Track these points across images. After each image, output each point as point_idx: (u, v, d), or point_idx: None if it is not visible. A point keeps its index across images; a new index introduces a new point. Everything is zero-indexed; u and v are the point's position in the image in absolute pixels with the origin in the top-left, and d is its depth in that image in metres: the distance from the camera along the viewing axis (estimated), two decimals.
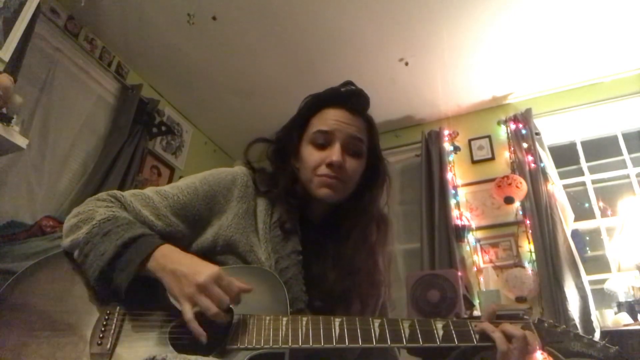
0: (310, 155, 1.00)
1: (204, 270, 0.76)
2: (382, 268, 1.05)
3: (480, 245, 3.19)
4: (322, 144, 0.99)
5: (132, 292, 0.77)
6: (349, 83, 1.06)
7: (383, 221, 1.07)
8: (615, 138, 3.32)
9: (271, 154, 1.08)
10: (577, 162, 3.37)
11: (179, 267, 0.77)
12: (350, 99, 1.03)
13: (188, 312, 0.73)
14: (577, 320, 2.59)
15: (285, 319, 0.79)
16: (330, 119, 1.01)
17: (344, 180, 0.99)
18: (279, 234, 0.96)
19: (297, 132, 1.05)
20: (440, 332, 0.82)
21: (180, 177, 1.05)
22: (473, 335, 0.83)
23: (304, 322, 0.78)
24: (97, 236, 0.80)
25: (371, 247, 1.02)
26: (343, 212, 1.04)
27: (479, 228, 3.26)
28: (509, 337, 0.81)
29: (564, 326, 0.86)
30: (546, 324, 0.87)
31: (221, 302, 0.74)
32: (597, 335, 2.51)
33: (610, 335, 2.29)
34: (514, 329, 0.82)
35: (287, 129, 1.07)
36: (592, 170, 3.30)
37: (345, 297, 0.96)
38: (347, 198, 1.03)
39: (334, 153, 0.97)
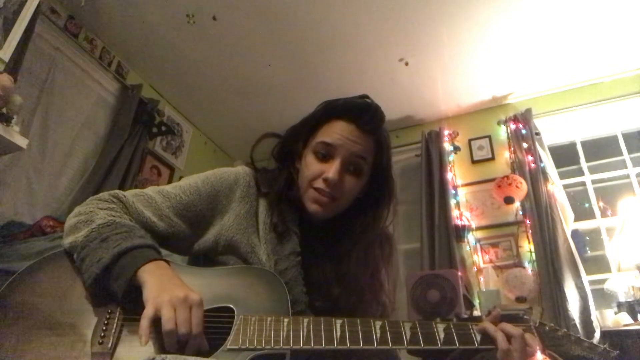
0: (310, 165, 0.98)
1: (188, 291, 0.75)
2: (387, 290, 1.03)
3: (480, 245, 3.20)
4: (324, 156, 0.97)
5: (134, 292, 0.77)
6: (365, 97, 1.03)
7: (387, 241, 1.06)
8: (615, 138, 3.32)
9: (276, 152, 1.07)
10: (577, 162, 3.38)
11: (167, 278, 0.77)
12: (364, 115, 0.98)
13: (150, 312, 0.70)
14: (577, 320, 2.59)
15: (286, 319, 0.79)
16: (337, 132, 0.97)
17: (336, 197, 0.97)
18: (278, 235, 0.96)
19: (304, 136, 1.03)
20: (442, 335, 0.82)
21: (181, 177, 1.05)
22: (474, 338, 0.84)
23: (305, 323, 0.78)
24: (94, 241, 0.80)
25: (375, 267, 1.01)
26: (344, 221, 1.03)
27: (479, 228, 3.26)
28: (508, 337, 0.81)
29: (565, 330, 0.86)
30: (547, 327, 0.87)
31: (183, 325, 0.70)
32: (597, 335, 2.52)
33: (610, 335, 2.29)
34: (512, 328, 0.82)
35: (296, 130, 1.05)
36: (592, 170, 3.31)
37: (351, 314, 0.96)
38: (349, 212, 1.02)
39: (332, 170, 0.94)
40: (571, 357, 0.83)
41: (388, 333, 0.80)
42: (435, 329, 0.82)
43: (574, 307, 2.64)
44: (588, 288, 2.71)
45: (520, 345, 0.80)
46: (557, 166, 3.22)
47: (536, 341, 0.83)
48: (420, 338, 0.80)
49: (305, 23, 2.84)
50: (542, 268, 2.84)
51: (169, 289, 0.73)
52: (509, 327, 0.83)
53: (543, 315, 2.72)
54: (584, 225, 3.19)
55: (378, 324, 0.81)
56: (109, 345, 0.73)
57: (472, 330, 0.84)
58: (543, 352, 0.84)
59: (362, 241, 1.01)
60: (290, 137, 1.06)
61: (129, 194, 0.93)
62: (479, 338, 0.84)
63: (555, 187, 3.10)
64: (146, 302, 0.73)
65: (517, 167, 3.25)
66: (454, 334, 0.82)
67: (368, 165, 1.00)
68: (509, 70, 3.26)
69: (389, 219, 1.06)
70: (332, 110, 1.01)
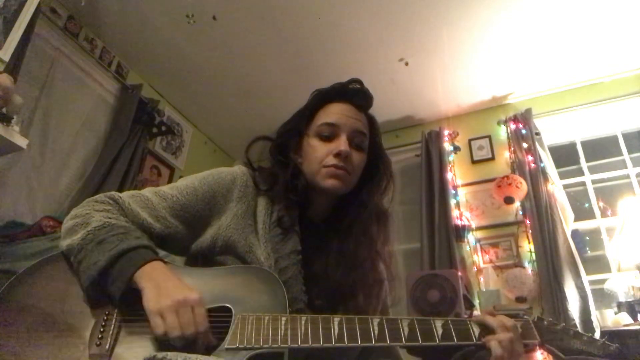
0: (317, 147, 1.01)
1: (187, 291, 0.75)
2: (386, 260, 1.05)
3: (480, 245, 3.19)
4: (328, 137, 1.01)
5: (131, 294, 0.77)
6: (355, 81, 1.08)
7: (383, 215, 1.08)
8: (615, 138, 3.31)
9: (273, 149, 1.07)
10: (577, 162, 3.37)
11: (165, 281, 0.77)
12: (356, 95, 1.06)
13: (160, 325, 0.71)
14: (577, 320, 2.59)
15: (284, 318, 0.79)
16: (337, 112, 1.03)
17: (350, 171, 1.00)
18: (279, 233, 0.96)
19: (302, 125, 1.05)
20: (440, 331, 0.82)
21: (180, 177, 1.05)
22: (472, 332, 0.84)
23: (303, 322, 0.78)
24: (90, 243, 0.80)
25: (372, 240, 1.03)
26: (344, 208, 1.05)
27: (479, 228, 3.26)
28: (505, 327, 0.84)
29: (564, 324, 0.87)
30: (545, 322, 0.88)
31: (188, 327, 0.72)
32: (597, 335, 2.51)
33: (610, 335, 2.28)
34: (508, 319, 0.85)
35: (291, 122, 1.08)
36: (592, 170, 3.30)
37: (351, 291, 0.97)
38: (347, 193, 1.04)
39: (342, 143, 0.98)
40: (570, 351, 0.84)
41: (386, 330, 0.80)
42: (433, 326, 0.82)
43: (574, 307, 2.64)
44: (588, 288, 2.71)
45: (516, 335, 0.83)
46: (557, 166, 3.22)
47: (534, 335, 0.84)
48: (419, 334, 0.81)
49: (305, 23, 2.84)
50: (542, 268, 2.83)
51: (167, 293, 0.74)
52: (505, 318, 0.85)
53: (543, 315, 2.72)
54: (584, 225, 3.18)
55: (376, 321, 0.81)
56: (107, 346, 0.73)
57: (469, 325, 0.85)
58: (542, 346, 0.85)
59: (360, 217, 1.03)
60: (286, 132, 1.07)
61: (125, 195, 0.92)
62: (476, 332, 0.84)
63: (555, 187, 3.10)
64: (147, 310, 0.73)
65: (517, 167, 3.25)
66: (452, 329, 0.83)
67: (367, 141, 1.05)
68: (509, 70, 3.26)
69: (387, 197, 1.09)
70: (325, 95, 1.06)
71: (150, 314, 0.73)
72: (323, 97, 1.06)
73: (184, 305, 0.73)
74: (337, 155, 0.98)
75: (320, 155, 0.99)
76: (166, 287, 0.75)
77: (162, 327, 0.71)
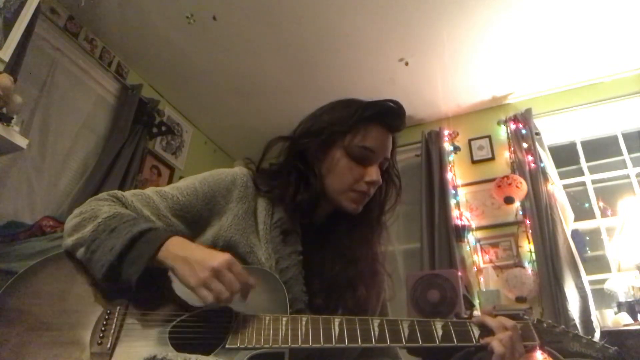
0: (349, 169, 0.99)
1: (217, 255, 0.78)
2: (381, 259, 1.07)
3: (480, 245, 3.20)
4: (363, 159, 1.00)
5: (143, 278, 0.77)
6: (393, 102, 1.04)
7: (381, 220, 1.10)
8: (615, 138, 3.31)
9: (292, 152, 1.03)
10: (577, 162, 3.37)
11: (192, 254, 0.78)
12: (399, 121, 1.06)
13: (208, 296, 0.74)
14: (577, 321, 2.59)
15: (285, 318, 0.79)
16: (376, 137, 1.02)
17: (370, 195, 1.02)
18: (280, 234, 0.96)
19: (335, 138, 1.00)
20: (440, 332, 0.83)
21: (181, 177, 1.05)
22: (472, 335, 0.84)
23: (303, 322, 0.79)
24: (104, 233, 0.81)
25: (369, 240, 1.05)
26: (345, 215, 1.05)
27: (479, 228, 3.26)
28: (504, 328, 0.84)
29: (563, 326, 0.87)
30: (545, 324, 0.88)
31: (233, 287, 0.75)
32: (597, 335, 2.51)
33: (610, 335, 2.29)
34: (507, 320, 0.85)
35: (323, 130, 1.01)
36: (592, 170, 3.30)
37: (350, 285, 0.97)
38: None
39: (374, 173, 0.99)
40: (570, 354, 0.84)
41: (386, 331, 0.80)
42: (433, 327, 0.83)
43: (574, 307, 2.64)
44: (588, 288, 2.71)
45: (517, 334, 0.83)
46: (557, 166, 3.22)
47: (534, 336, 0.84)
48: (419, 336, 0.81)
49: (305, 23, 2.84)
50: (542, 268, 2.84)
51: (200, 265, 0.76)
52: (505, 319, 0.86)
53: (543, 315, 2.72)
54: (584, 225, 3.18)
55: (376, 322, 0.81)
56: (108, 345, 0.73)
57: (469, 327, 0.85)
58: (542, 348, 0.85)
59: (361, 222, 1.05)
60: (315, 139, 1.01)
61: (128, 194, 0.94)
62: (476, 333, 0.84)
63: (555, 187, 3.10)
64: (189, 286, 0.76)
65: (517, 167, 3.25)
66: (452, 331, 0.83)
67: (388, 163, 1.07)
68: (509, 70, 3.26)
69: (392, 208, 1.12)
70: (372, 115, 1.02)
71: (195, 289, 0.75)
72: (369, 116, 1.01)
73: (221, 269, 0.75)
74: (370, 183, 0.99)
75: (352, 179, 0.98)
76: (196, 259, 0.77)
77: (211, 296, 0.74)
